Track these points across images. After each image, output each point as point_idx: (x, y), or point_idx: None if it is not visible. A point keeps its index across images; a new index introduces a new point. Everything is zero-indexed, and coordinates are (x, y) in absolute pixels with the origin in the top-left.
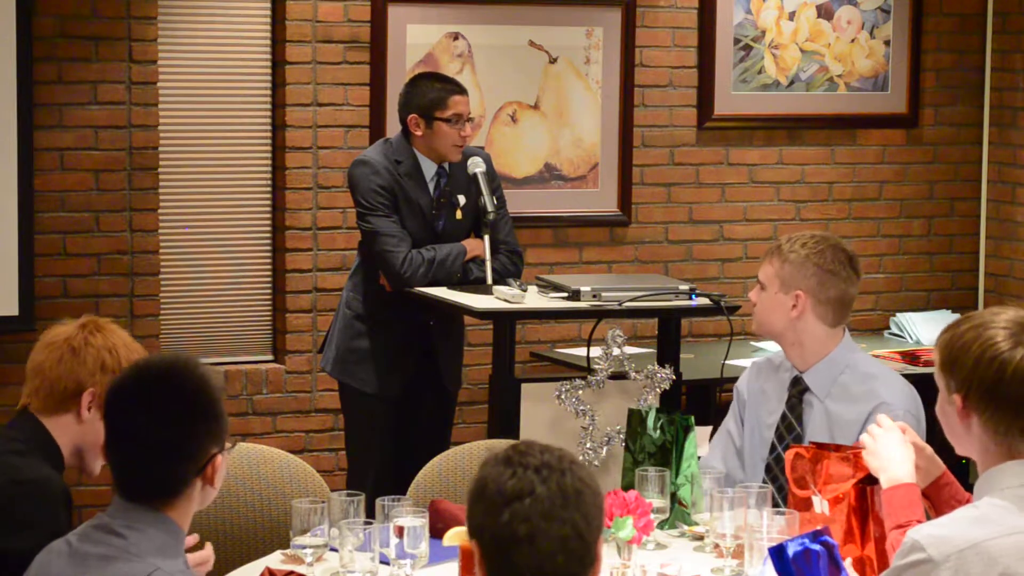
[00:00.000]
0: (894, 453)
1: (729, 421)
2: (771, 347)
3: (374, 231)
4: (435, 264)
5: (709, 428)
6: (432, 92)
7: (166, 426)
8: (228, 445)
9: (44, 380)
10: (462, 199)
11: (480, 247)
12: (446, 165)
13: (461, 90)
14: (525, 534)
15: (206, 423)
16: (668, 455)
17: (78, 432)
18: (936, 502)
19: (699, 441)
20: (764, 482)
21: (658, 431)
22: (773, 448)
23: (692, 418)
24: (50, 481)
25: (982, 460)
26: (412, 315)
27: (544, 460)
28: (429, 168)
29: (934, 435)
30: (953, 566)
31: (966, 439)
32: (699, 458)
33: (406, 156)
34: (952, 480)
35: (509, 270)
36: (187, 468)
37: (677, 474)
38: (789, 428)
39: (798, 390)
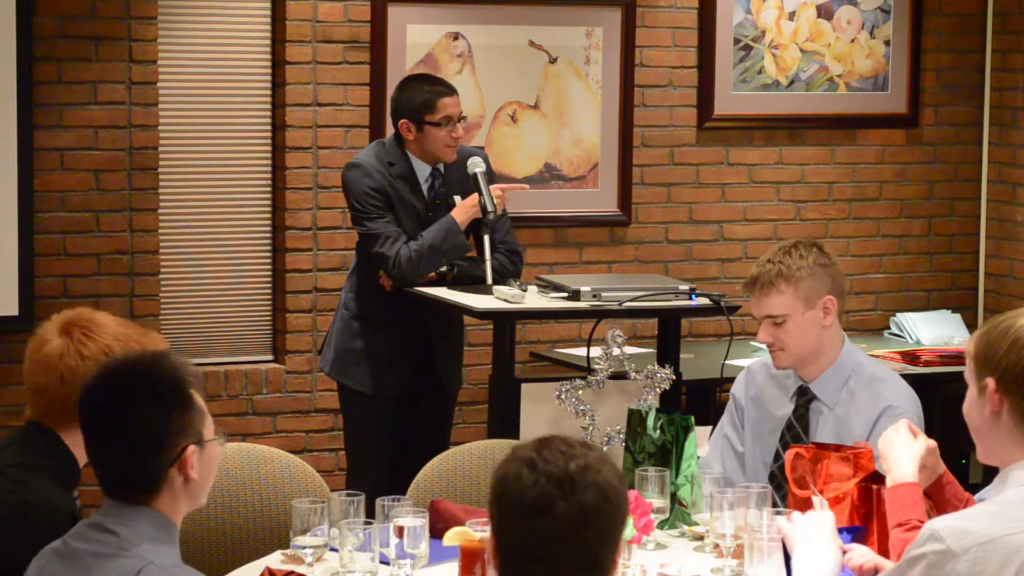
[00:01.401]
0: (898, 453)
1: (726, 426)
2: None
3: (368, 233)
4: (425, 251)
5: (709, 428)
6: (421, 96)
7: (132, 419)
8: (214, 437)
9: (52, 401)
10: (458, 199)
11: (472, 209)
12: (440, 166)
13: (450, 91)
14: (540, 554)
15: (172, 415)
16: (668, 455)
17: None
18: (938, 501)
19: (699, 441)
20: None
21: (658, 431)
22: (777, 456)
23: (692, 418)
24: (56, 502)
25: (1006, 456)
26: (410, 315)
27: (567, 471)
28: (423, 170)
29: (933, 435)
30: (972, 559)
31: (993, 436)
32: (698, 458)
33: (399, 158)
34: (953, 480)
35: (508, 270)
36: (158, 461)
37: (677, 474)
38: (796, 438)
39: (805, 399)
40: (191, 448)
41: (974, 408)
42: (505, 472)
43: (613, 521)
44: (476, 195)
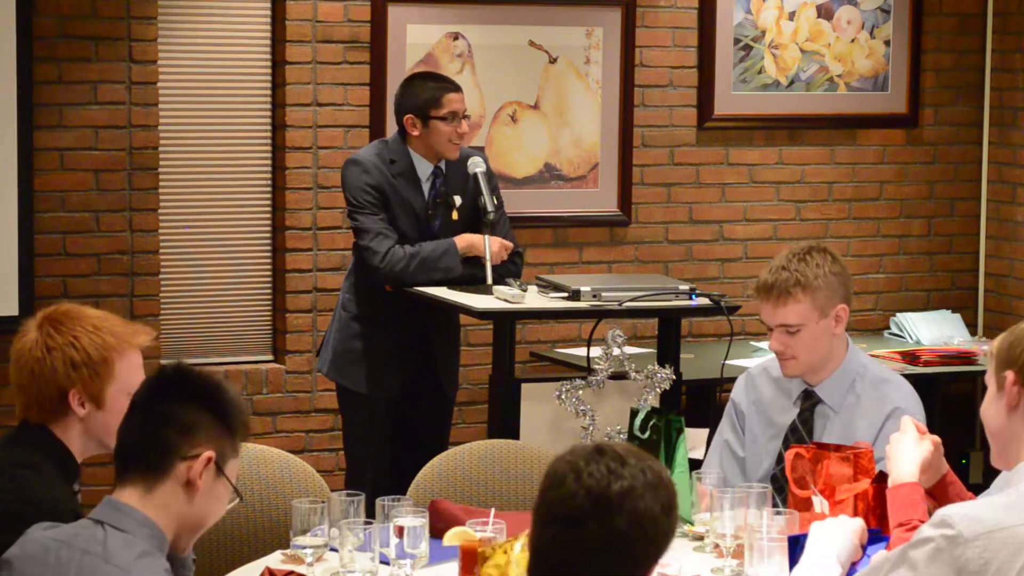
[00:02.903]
0: (900, 454)
1: (727, 432)
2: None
3: (358, 228)
4: (417, 259)
5: (705, 431)
6: (426, 91)
7: (177, 404)
8: (232, 482)
9: (29, 396)
10: (458, 200)
11: (479, 242)
12: (442, 166)
13: (455, 87)
14: (562, 562)
15: (212, 420)
16: (657, 454)
17: (84, 428)
18: (942, 501)
19: (694, 444)
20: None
21: (648, 431)
22: (780, 459)
23: (683, 419)
24: (58, 502)
25: (1020, 452)
26: (409, 315)
27: (607, 491)
28: (424, 169)
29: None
30: (982, 545)
31: (1008, 433)
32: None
33: (401, 156)
34: (956, 480)
35: (509, 270)
36: (173, 441)
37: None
38: (800, 441)
39: (811, 403)
40: (209, 455)
41: (992, 406)
42: (554, 471)
43: (645, 551)
44: (483, 235)
